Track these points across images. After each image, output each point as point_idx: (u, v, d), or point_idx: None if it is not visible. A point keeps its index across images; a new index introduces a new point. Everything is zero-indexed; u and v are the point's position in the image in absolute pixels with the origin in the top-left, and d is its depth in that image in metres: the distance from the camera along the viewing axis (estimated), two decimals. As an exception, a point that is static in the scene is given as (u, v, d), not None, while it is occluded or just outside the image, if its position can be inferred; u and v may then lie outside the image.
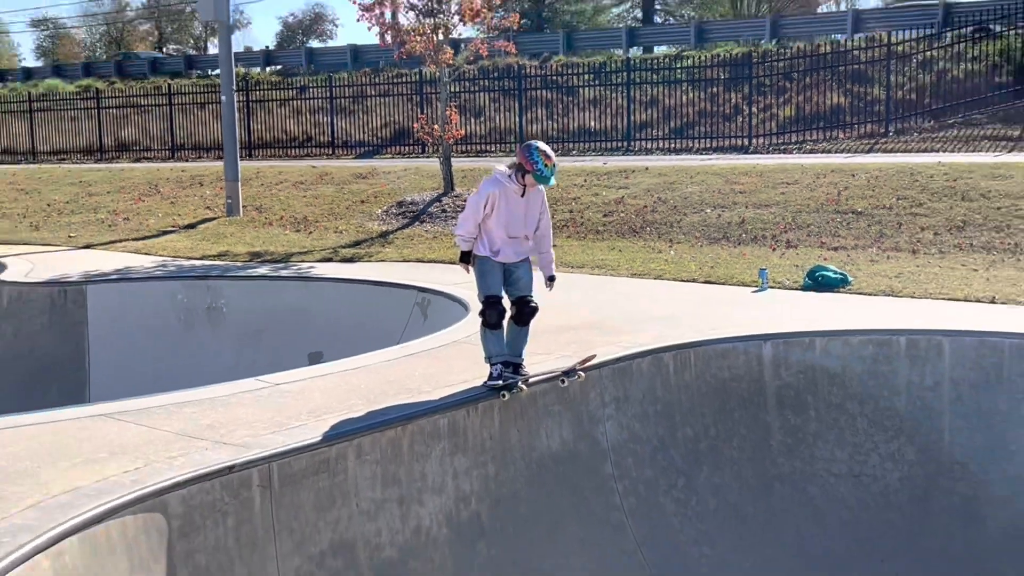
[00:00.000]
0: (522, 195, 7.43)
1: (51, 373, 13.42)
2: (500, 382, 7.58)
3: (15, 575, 4.75)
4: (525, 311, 7.62)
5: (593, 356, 7.83)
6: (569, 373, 7.98)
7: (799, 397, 9.10)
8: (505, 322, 7.68)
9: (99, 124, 35.09)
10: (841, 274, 12.32)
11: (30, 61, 72.45)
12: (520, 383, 7.68)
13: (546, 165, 7.27)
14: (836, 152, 22.59)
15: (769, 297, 11.76)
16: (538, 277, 7.72)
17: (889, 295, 11.53)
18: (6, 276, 14.82)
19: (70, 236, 19.83)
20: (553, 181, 7.37)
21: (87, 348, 13.65)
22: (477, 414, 7.48)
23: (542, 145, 7.36)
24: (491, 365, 7.64)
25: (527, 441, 7.82)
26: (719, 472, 8.75)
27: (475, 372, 7.88)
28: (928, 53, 25.17)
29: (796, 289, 12.18)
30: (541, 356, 8.59)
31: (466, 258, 7.59)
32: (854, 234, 14.97)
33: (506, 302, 7.62)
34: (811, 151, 23.16)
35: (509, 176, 7.40)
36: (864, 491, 8.80)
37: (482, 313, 7.57)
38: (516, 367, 7.71)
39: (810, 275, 12.38)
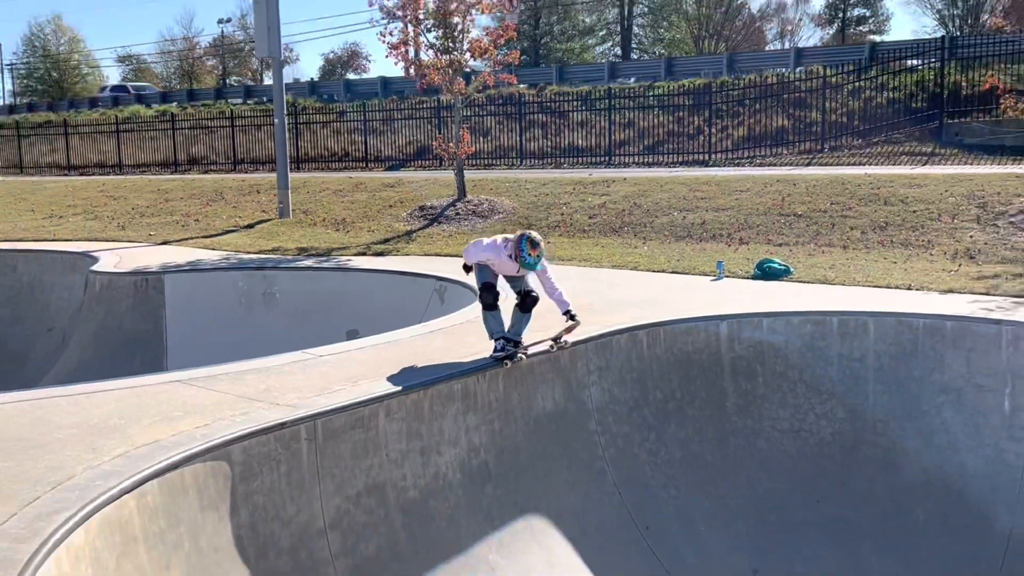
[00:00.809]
0: (517, 271, 7.52)
1: (135, 346, 13.44)
2: (503, 353, 7.62)
3: (107, 512, 4.77)
4: (528, 300, 7.72)
5: (576, 324, 7.76)
6: (556, 339, 8.00)
7: (750, 367, 9.11)
8: (508, 313, 7.75)
9: (173, 142, 35.01)
10: (785, 266, 12.31)
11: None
12: (520, 354, 7.72)
13: (531, 255, 7.20)
14: (780, 165, 22.51)
15: (725, 285, 11.75)
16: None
17: (824, 283, 11.51)
18: (98, 267, 14.83)
19: (150, 234, 19.81)
20: (540, 266, 7.33)
21: (164, 326, 13.67)
22: (485, 380, 7.50)
23: (534, 236, 7.25)
24: (494, 341, 7.73)
25: (526, 403, 7.84)
26: (683, 428, 8.77)
27: (484, 346, 7.91)
28: (857, 84, 25.08)
29: (747, 278, 12.17)
30: (539, 333, 8.60)
31: (467, 269, 7.82)
32: (795, 233, 14.94)
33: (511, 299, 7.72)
34: (760, 164, 23.09)
35: (507, 251, 7.35)
36: (802, 443, 8.81)
37: (480, 296, 7.68)
38: (516, 343, 7.74)
39: (759, 266, 12.36)
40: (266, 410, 6.31)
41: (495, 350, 7.69)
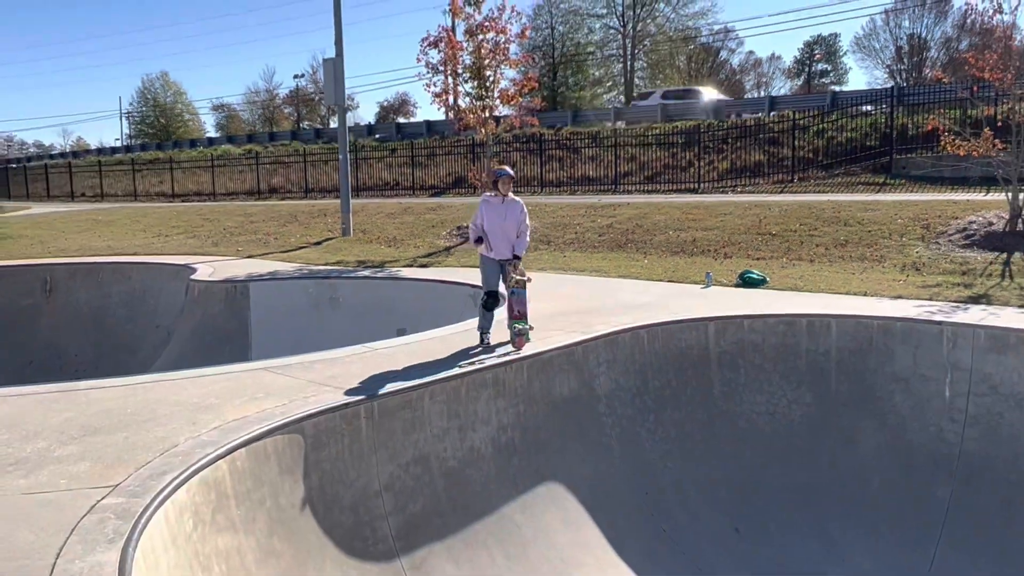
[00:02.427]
0: (502, 202, 7.74)
1: (226, 341, 13.57)
2: (488, 346, 7.85)
3: (204, 474, 4.83)
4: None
5: (518, 261, 7.87)
6: (518, 281, 7.95)
7: (733, 360, 9.06)
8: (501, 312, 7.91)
9: (257, 174, 35.36)
10: (762, 276, 12.22)
11: (211, 132, 73.26)
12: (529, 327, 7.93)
13: (503, 168, 7.85)
14: (758, 192, 22.35)
15: (713, 292, 11.69)
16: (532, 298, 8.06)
17: (795, 290, 11.42)
18: (196, 276, 14.97)
19: (238, 250, 20.00)
20: (508, 171, 7.81)
21: (250, 324, 13.78)
22: (512, 370, 7.51)
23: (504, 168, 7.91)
24: (481, 334, 7.97)
25: (546, 389, 7.84)
26: (678, 411, 8.73)
27: (510, 343, 7.91)
28: (821, 125, 24.86)
29: (731, 286, 12.10)
30: (557, 332, 8.61)
31: (479, 242, 7.91)
32: (771, 249, 14.82)
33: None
34: (741, 192, 22.93)
35: (490, 194, 7.83)
36: (776, 424, 8.74)
37: (483, 300, 7.92)
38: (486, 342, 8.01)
39: (740, 276, 12.29)
40: (332, 393, 6.36)
41: (481, 342, 7.92)
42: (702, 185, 24.52)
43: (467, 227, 19.46)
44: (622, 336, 8.70)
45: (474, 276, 13.80)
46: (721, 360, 9.07)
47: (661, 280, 12.95)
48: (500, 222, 7.77)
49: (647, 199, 21.90)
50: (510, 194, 7.85)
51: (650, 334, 8.92)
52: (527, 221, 7.94)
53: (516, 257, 7.81)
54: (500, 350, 7.83)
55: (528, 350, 7.81)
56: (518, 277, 7.84)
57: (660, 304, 10.46)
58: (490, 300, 7.85)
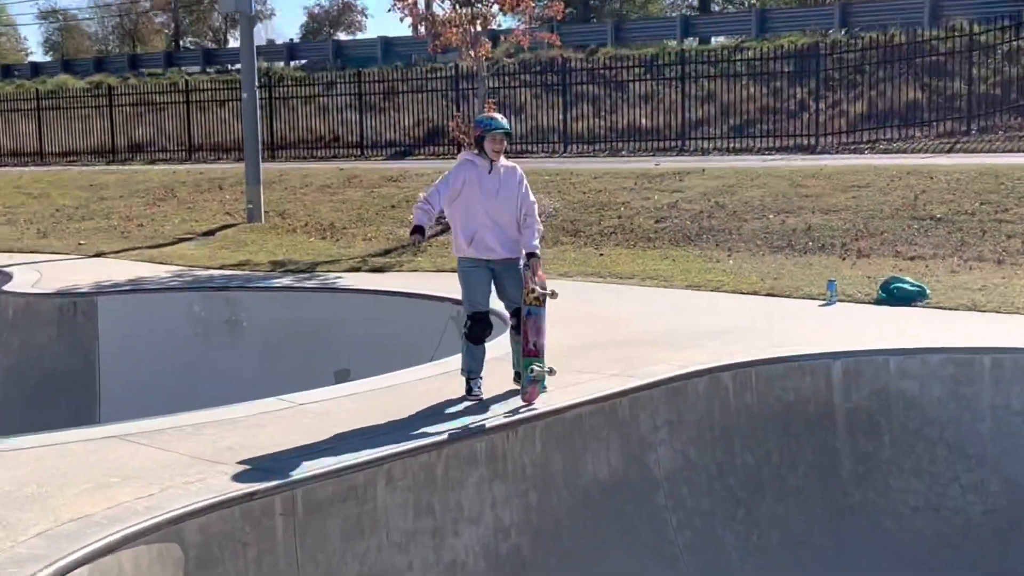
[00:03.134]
0: (489, 171, 7.79)
1: (59, 389, 13.56)
2: (479, 399, 7.86)
3: (21, 608, 4.79)
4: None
5: (538, 260, 7.87)
6: (540, 295, 7.88)
7: (872, 421, 9.01)
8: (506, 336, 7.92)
9: (111, 123, 35.45)
10: (918, 286, 12.19)
11: (38, 56, 73.50)
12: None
13: (491, 118, 7.90)
14: (912, 152, 22.38)
15: (838, 311, 11.65)
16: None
17: (972, 309, 11.38)
18: (11, 286, 14.97)
19: (80, 244, 20.06)
20: (499, 120, 7.89)
21: (98, 363, 13.77)
22: (517, 437, 7.47)
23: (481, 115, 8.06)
24: (468, 380, 7.98)
25: (571, 467, 7.79)
26: (783, 502, 8.68)
27: (516, 392, 7.90)
28: (1014, 43, 24.86)
29: (868, 303, 12.06)
30: (589, 375, 8.58)
31: (419, 232, 7.76)
32: (932, 242, 14.80)
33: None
34: (885, 151, 22.96)
35: (476, 154, 7.88)
36: (944, 525, 8.68)
37: (466, 329, 7.91)
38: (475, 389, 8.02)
39: (884, 287, 12.26)
40: (230, 475, 6.33)
41: (469, 392, 7.95)
42: (822, 140, 24.55)
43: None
44: (693, 382, 8.66)
45: (458, 285, 13.76)
46: (853, 422, 9.02)
47: (755, 293, 12.92)
48: (489, 200, 7.77)
49: (733, 163, 21.94)
50: (502, 158, 7.87)
51: (738, 380, 8.88)
52: (531, 196, 7.97)
53: (532, 255, 7.79)
54: (499, 404, 7.80)
55: (542, 405, 7.77)
56: (538, 290, 7.79)
57: (753, 331, 10.40)
58: (476, 327, 7.87)
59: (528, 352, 7.79)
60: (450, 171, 7.94)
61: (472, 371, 8.03)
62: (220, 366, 13.39)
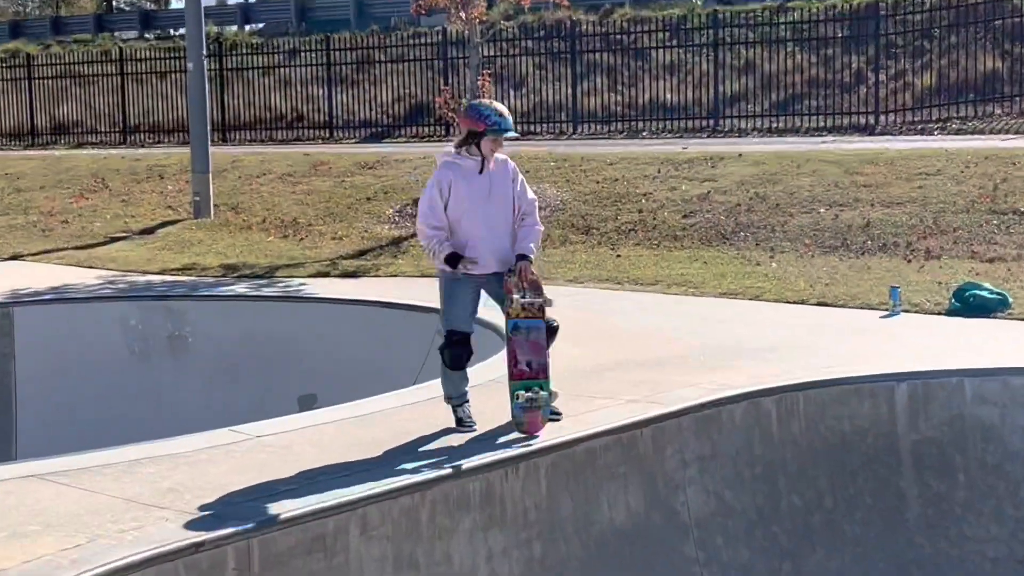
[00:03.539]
0: (480, 171, 7.75)
1: (-34, 420, 13.56)
2: (472, 429, 7.94)
3: None
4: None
5: (529, 263, 7.85)
6: (533, 302, 7.91)
7: (943, 455, 9.02)
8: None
9: (30, 99, 35.43)
10: (999, 294, 12.20)
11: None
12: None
13: (500, 115, 7.68)
14: (991, 133, 22.38)
15: (902, 324, 11.66)
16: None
17: (1063, 321, 11.42)
18: (-91, 295, 14.98)
19: (-7, 244, 20.07)
20: (500, 111, 7.74)
21: (14, 387, 13.77)
22: (518, 476, 7.47)
23: (485, 100, 7.55)
24: (454, 409, 8.07)
25: (583, 512, 7.80)
26: (837, 554, 8.69)
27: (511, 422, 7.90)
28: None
29: (939, 313, 12.07)
30: (604, 401, 8.58)
31: (454, 261, 7.73)
32: (1016, 241, 14.81)
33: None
34: (958, 132, 22.97)
35: (459, 153, 7.79)
36: (1031, 580, 8.70)
37: (442, 351, 7.93)
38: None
39: (958, 295, 12.26)
40: (172, 522, 6.32)
41: (459, 422, 8.04)
42: (883, 119, 24.58)
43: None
44: (729, 409, 8.66)
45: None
46: (921, 456, 9.03)
47: (804, 302, 12.93)
48: (479, 205, 7.73)
49: (776, 146, 21.94)
50: (498, 154, 7.82)
51: (783, 406, 8.89)
52: (529, 192, 7.96)
53: (523, 258, 7.81)
54: (496, 437, 7.79)
55: (548, 437, 7.79)
56: (527, 299, 7.79)
57: (800, 347, 10.42)
58: (456, 350, 7.87)
59: (519, 374, 7.80)
60: (429, 184, 7.90)
61: (456, 398, 8.09)
62: (161, 391, 13.38)
